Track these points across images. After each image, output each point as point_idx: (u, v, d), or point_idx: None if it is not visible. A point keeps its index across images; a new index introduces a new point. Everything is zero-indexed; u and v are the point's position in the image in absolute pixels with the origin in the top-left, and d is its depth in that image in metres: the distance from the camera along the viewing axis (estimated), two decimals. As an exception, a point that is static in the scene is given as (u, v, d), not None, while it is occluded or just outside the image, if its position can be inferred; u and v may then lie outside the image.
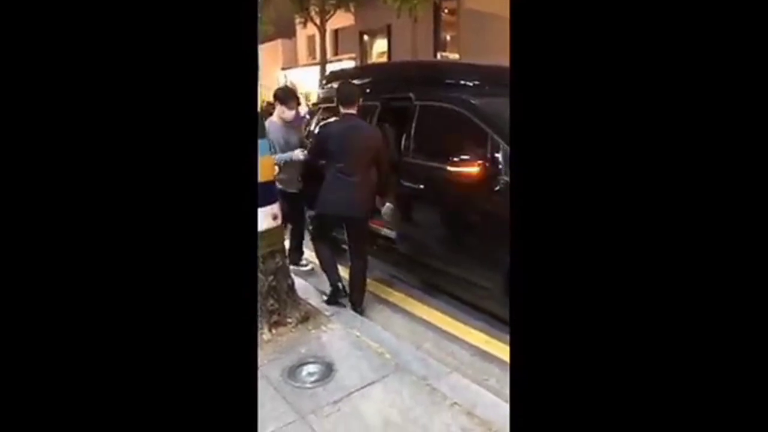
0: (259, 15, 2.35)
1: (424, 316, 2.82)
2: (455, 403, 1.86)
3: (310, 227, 2.95)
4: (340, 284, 2.75)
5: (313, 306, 2.70)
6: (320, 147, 2.73)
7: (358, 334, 2.41)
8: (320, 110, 4.23)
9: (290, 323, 2.46)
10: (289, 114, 3.16)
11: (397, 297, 3.08)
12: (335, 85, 3.95)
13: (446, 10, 11.38)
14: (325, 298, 2.79)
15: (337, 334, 2.42)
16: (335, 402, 1.88)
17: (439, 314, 2.83)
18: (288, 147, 3.14)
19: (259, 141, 2.42)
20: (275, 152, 3.05)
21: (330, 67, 10.85)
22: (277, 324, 2.42)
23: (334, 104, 3.50)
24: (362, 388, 1.97)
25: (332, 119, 2.84)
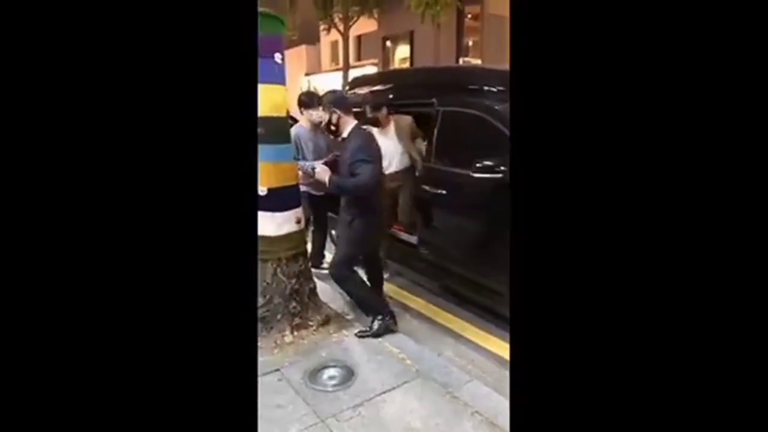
0: (284, 21, 2.40)
1: (445, 323, 2.80)
2: (476, 411, 1.84)
3: (348, 258, 2.53)
4: (389, 315, 2.50)
5: (334, 309, 2.71)
6: (380, 164, 2.46)
7: (379, 339, 2.41)
8: None
9: (312, 326, 2.48)
10: (317, 114, 3.11)
11: (418, 303, 3.07)
12: (359, 91, 3.99)
13: (469, 16, 11.36)
14: (369, 330, 2.45)
15: (358, 339, 2.43)
16: (356, 406, 1.89)
17: (460, 321, 2.81)
18: (317, 151, 3.14)
19: (284, 146, 2.46)
20: (304, 158, 3.08)
21: (352, 73, 10.95)
22: (299, 326, 2.44)
23: (359, 110, 3.54)
24: (383, 393, 1.97)
25: (364, 129, 2.62)
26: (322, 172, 2.44)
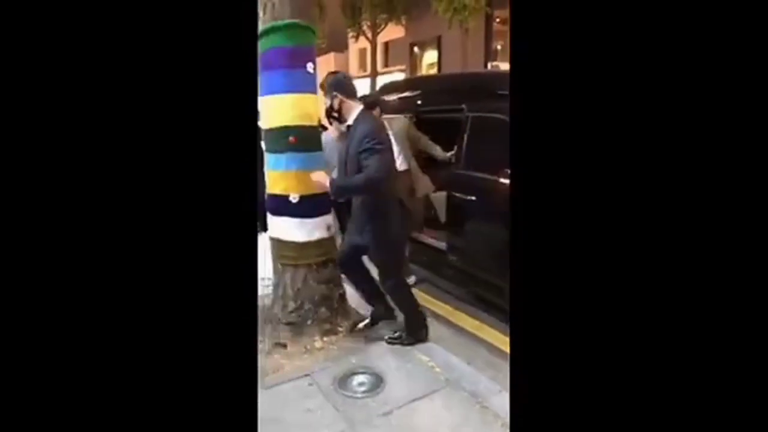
0: (315, 31, 2.45)
1: (475, 332, 2.77)
2: (507, 423, 1.81)
3: (390, 268, 2.38)
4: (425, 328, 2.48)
5: (363, 316, 2.72)
6: (391, 152, 2.31)
7: (408, 347, 2.40)
8: None
9: (341, 332, 2.50)
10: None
11: (445, 310, 3.05)
12: (388, 97, 4.01)
13: (498, 20, 11.25)
14: (399, 337, 2.40)
15: (387, 346, 2.43)
16: (385, 414, 1.89)
17: (489, 329, 2.77)
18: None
19: (316, 154, 2.50)
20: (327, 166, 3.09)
21: (380, 80, 11.02)
22: (328, 332, 2.46)
23: (387, 116, 3.54)
24: (412, 401, 1.96)
25: (371, 114, 2.41)
26: (320, 177, 2.19)
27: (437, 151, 3.33)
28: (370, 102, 2.97)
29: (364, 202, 2.25)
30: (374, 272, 2.50)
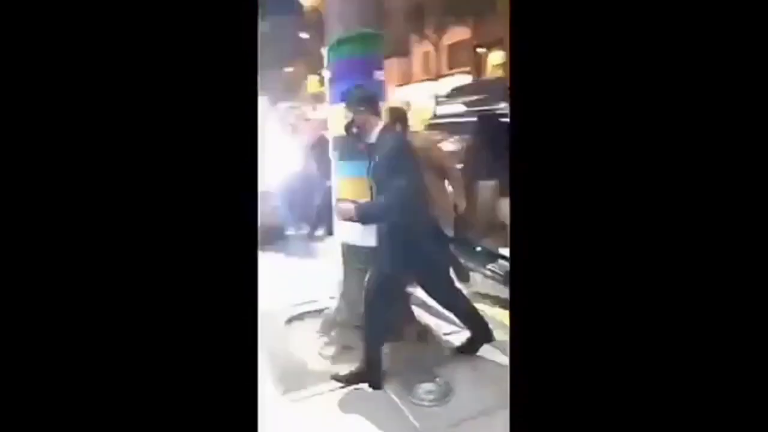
0: (383, 38, 2.47)
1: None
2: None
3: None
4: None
5: (429, 324, 2.70)
6: (417, 175, 2.08)
7: (476, 355, 2.35)
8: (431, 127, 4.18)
9: (409, 338, 2.49)
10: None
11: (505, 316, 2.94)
12: (456, 103, 3.97)
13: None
14: (465, 345, 2.40)
15: (455, 354, 2.39)
16: (454, 425, 1.85)
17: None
18: None
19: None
20: None
21: (444, 82, 10.92)
22: (396, 338, 2.46)
23: (452, 121, 3.51)
24: (481, 413, 1.91)
25: (396, 130, 2.26)
26: (345, 205, 1.99)
27: (455, 205, 2.84)
28: (394, 117, 2.59)
29: (392, 228, 1.99)
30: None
